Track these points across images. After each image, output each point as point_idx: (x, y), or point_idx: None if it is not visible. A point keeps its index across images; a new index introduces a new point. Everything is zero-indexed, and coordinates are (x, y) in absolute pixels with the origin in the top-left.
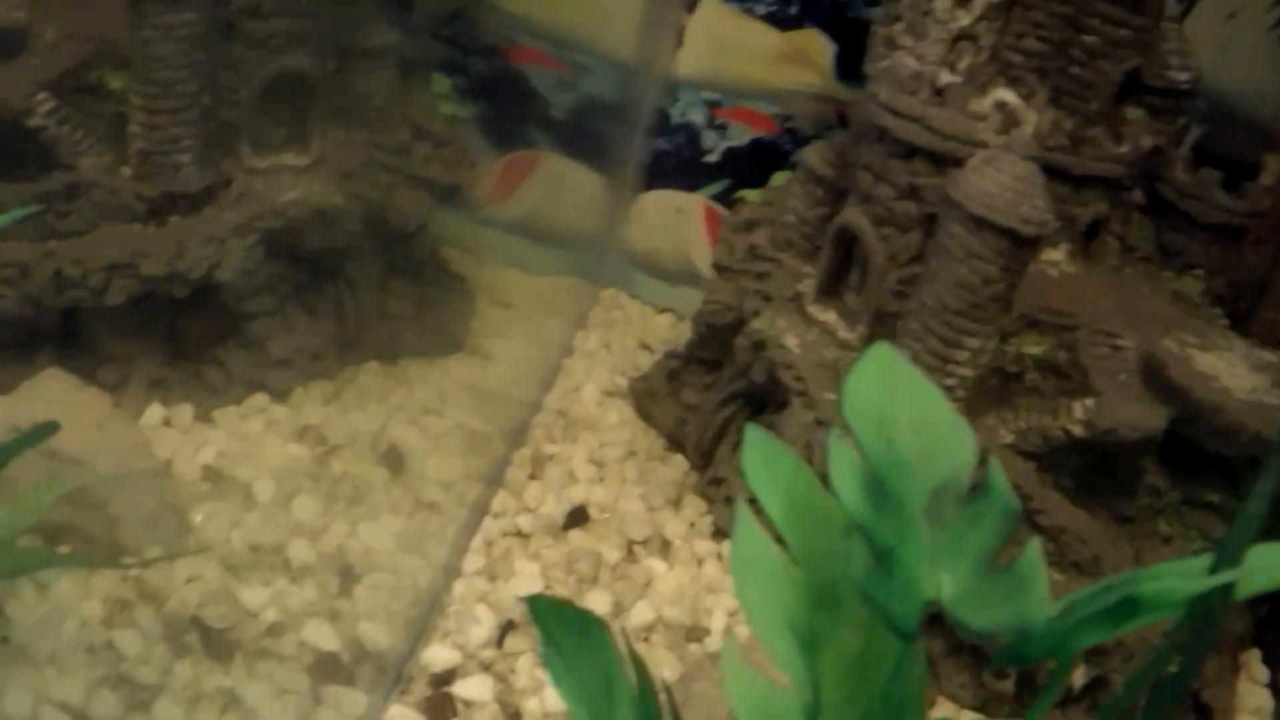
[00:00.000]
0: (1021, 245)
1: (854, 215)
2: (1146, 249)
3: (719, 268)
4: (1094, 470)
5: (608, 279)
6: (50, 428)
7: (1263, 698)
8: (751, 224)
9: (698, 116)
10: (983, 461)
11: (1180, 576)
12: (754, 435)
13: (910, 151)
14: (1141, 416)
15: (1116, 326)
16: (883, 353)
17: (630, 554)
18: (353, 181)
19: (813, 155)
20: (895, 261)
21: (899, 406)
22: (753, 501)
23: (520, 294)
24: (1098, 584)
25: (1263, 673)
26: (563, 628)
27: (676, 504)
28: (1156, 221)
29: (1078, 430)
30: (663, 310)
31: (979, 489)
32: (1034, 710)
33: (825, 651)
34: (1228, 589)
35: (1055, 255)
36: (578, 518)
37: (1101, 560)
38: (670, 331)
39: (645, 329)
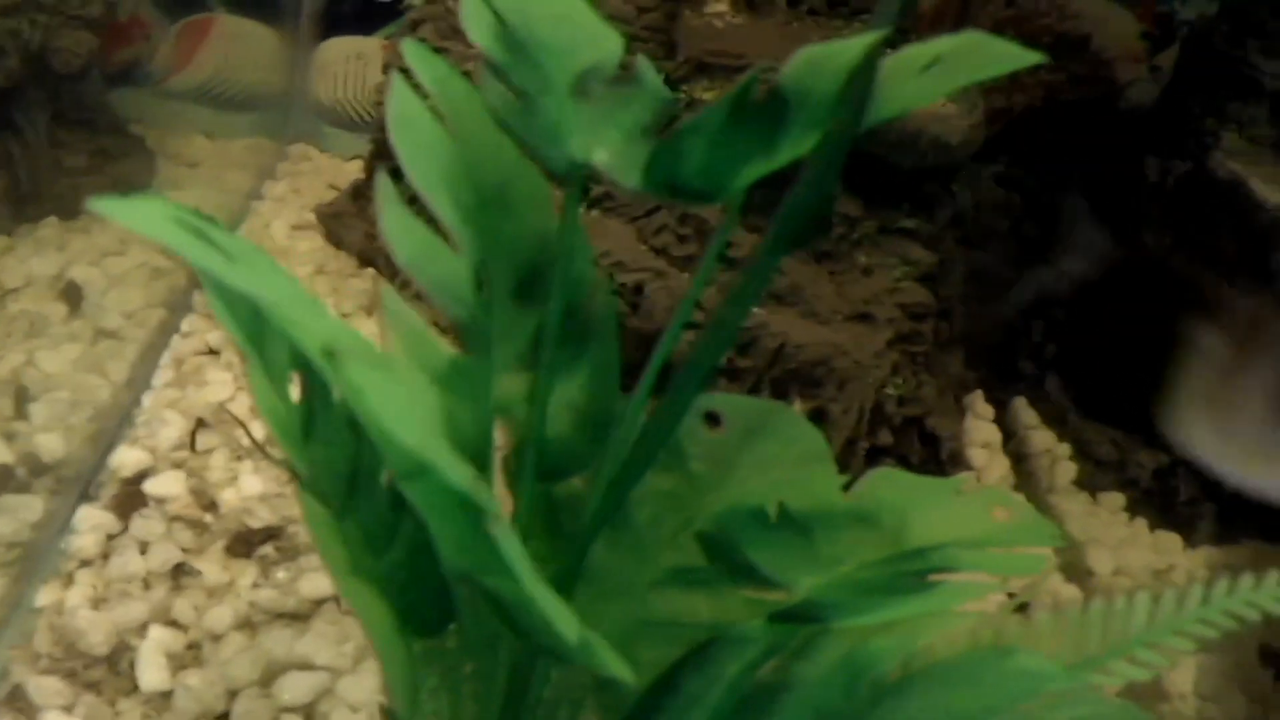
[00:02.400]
0: None
1: None
2: (816, 1)
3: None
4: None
5: (294, 135)
6: None
7: (990, 432)
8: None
9: None
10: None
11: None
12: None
13: None
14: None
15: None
16: None
17: None
18: (8, 19)
19: None
20: None
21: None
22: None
23: (205, 155)
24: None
25: (988, 411)
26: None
27: (369, 311)
28: None
29: None
30: (351, 158)
31: (627, 78)
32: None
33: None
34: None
35: (720, 7)
36: None
37: (801, 289)
38: (360, 174)
39: (335, 175)
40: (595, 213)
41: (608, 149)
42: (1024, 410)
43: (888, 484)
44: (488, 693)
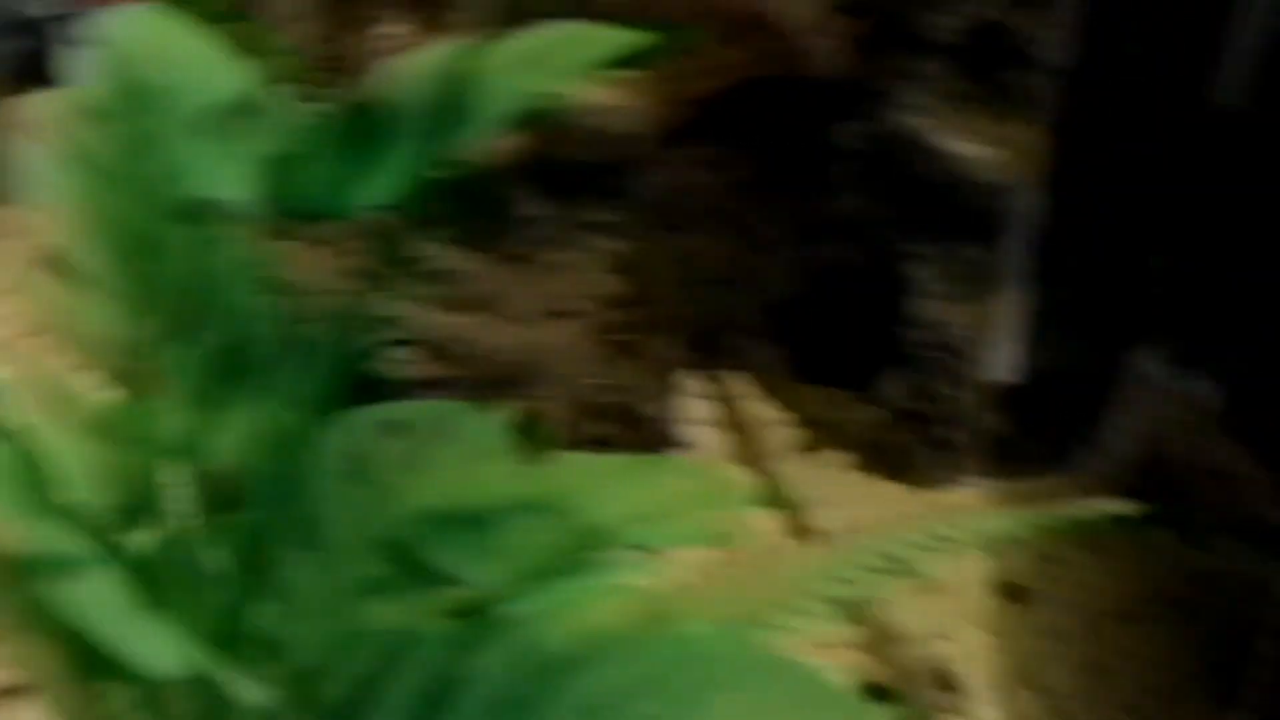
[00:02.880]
0: None
1: None
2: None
3: None
4: (468, 215)
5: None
6: None
7: (703, 408)
8: None
9: None
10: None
11: None
12: None
13: None
14: (499, 140)
15: None
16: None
17: None
18: None
19: None
20: None
21: (174, 44)
22: None
23: None
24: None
25: (705, 389)
26: None
27: None
28: None
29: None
30: None
31: (254, 109)
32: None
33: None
34: None
35: (397, 29)
36: None
37: (496, 293)
38: None
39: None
40: (290, 243)
41: (235, 184)
42: (738, 383)
43: (563, 468)
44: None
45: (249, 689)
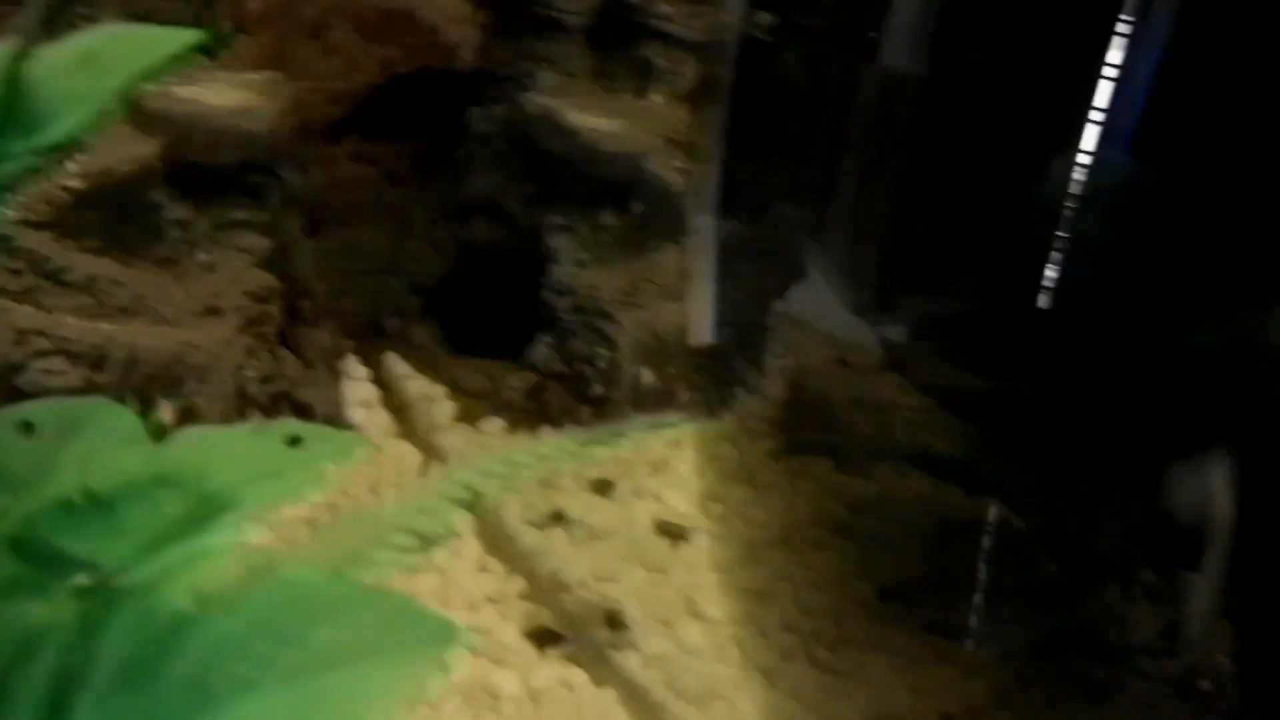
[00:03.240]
0: None
1: None
2: None
3: None
4: (115, 223)
5: None
6: None
7: (369, 391)
8: None
9: None
10: None
11: None
12: None
13: None
14: (130, 148)
15: None
16: None
17: None
18: None
19: None
20: None
21: None
22: None
23: None
24: None
25: (365, 372)
26: None
27: None
28: None
29: (73, 182)
30: None
31: None
32: None
33: None
34: None
35: None
36: None
37: (147, 297)
38: None
39: None
40: None
41: None
42: (398, 364)
43: (188, 444)
44: None
45: None
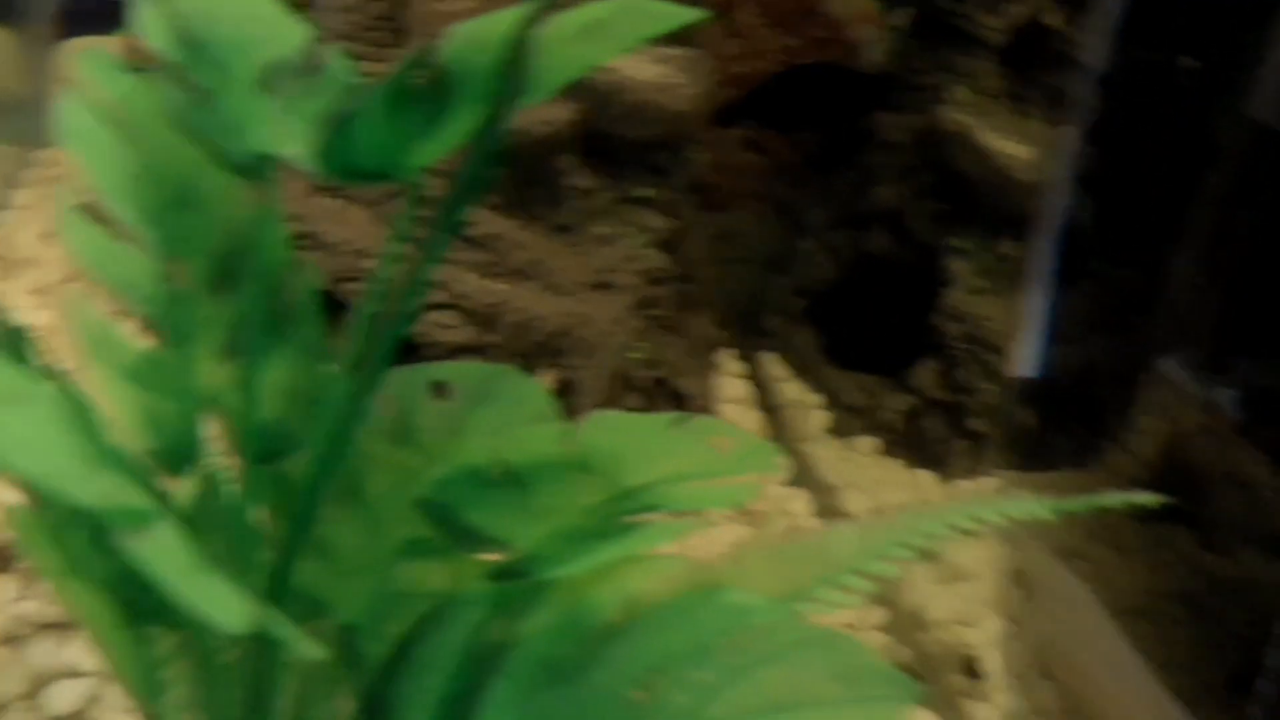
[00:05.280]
0: None
1: None
2: None
3: None
4: (520, 185)
5: (44, 140)
6: None
7: (742, 388)
8: None
9: None
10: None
11: None
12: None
13: None
14: (548, 112)
15: None
16: None
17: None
18: None
19: None
20: None
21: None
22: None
23: None
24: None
25: (740, 368)
26: None
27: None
28: None
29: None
30: None
31: (315, 67)
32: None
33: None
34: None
35: None
36: None
37: (543, 263)
38: None
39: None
40: (339, 201)
41: (293, 140)
42: (774, 365)
43: (604, 429)
44: (238, 677)
45: (308, 646)
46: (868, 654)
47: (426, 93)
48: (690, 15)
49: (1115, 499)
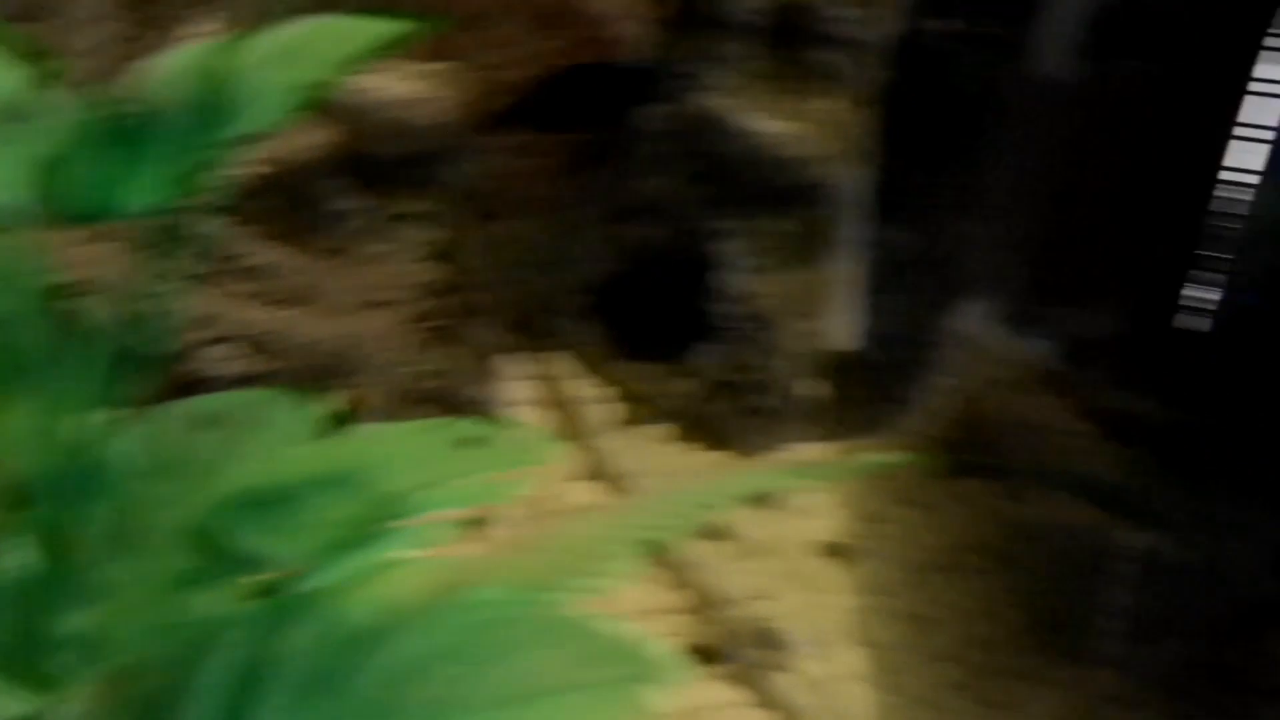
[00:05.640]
0: None
1: None
2: None
3: None
4: (289, 211)
5: None
6: None
7: (533, 389)
8: None
9: None
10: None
11: None
12: None
13: None
14: (307, 136)
15: None
16: None
17: None
18: None
19: None
20: None
21: None
22: None
23: None
24: None
25: (530, 370)
26: None
27: None
28: None
29: (251, 169)
30: None
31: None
32: None
33: None
34: None
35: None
36: None
37: (318, 286)
38: None
39: None
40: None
41: (17, 186)
42: (565, 363)
43: (369, 441)
44: None
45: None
46: (617, 638)
47: (125, 132)
48: (390, 30)
49: (893, 458)
